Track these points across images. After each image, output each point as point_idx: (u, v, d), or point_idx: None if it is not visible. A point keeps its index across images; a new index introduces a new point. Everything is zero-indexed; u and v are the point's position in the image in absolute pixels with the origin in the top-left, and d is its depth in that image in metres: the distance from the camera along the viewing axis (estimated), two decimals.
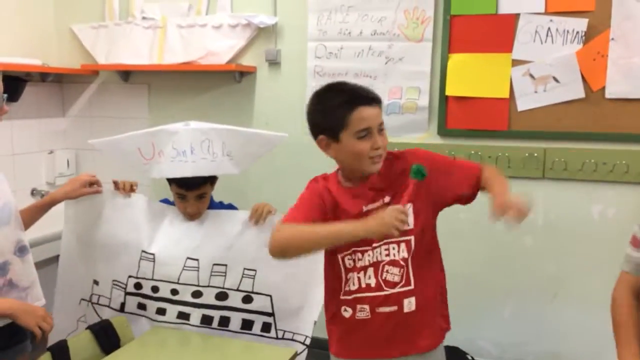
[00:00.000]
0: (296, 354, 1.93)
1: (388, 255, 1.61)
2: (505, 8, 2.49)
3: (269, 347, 2.00)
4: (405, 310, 1.62)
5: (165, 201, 2.23)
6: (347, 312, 1.66)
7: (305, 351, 2.06)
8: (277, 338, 2.09)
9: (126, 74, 3.10)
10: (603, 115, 2.42)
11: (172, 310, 2.08)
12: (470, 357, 2.57)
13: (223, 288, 2.08)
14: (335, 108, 1.56)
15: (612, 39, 2.36)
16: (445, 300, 1.73)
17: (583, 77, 2.43)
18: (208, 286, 2.08)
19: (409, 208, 1.58)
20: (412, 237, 1.62)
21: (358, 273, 1.63)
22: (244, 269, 2.08)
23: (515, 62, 2.50)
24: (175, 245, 2.10)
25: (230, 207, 2.27)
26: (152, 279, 2.09)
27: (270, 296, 2.07)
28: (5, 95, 1.68)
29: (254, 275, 2.08)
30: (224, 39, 2.85)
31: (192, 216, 2.14)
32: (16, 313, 1.67)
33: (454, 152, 2.62)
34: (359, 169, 1.60)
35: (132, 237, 2.11)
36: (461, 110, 2.61)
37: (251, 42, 2.88)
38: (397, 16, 2.64)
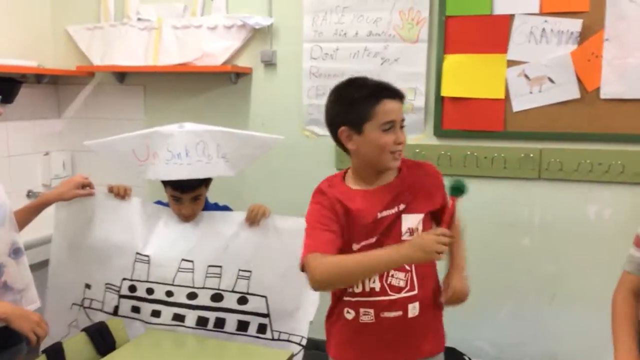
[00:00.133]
0: (292, 356, 1.93)
1: None
2: (500, 9, 2.49)
3: (264, 349, 2.00)
4: (410, 315, 1.62)
5: (159, 203, 2.23)
6: (349, 315, 1.65)
7: (302, 352, 2.06)
8: (272, 339, 2.08)
9: (122, 76, 3.10)
10: (598, 116, 2.43)
11: (167, 312, 2.08)
12: (467, 358, 2.57)
13: (218, 289, 2.08)
14: (361, 99, 1.55)
15: (607, 39, 2.37)
16: (441, 306, 1.72)
17: (578, 78, 2.44)
18: (203, 288, 2.08)
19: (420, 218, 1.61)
20: None
21: None
22: (239, 270, 2.07)
23: (511, 63, 2.51)
24: (170, 246, 2.10)
25: (226, 208, 2.27)
26: (147, 281, 2.08)
27: (266, 297, 2.07)
28: (0, 97, 1.68)
29: (249, 277, 2.07)
30: (219, 40, 2.85)
31: (186, 218, 2.13)
32: (10, 318, 1.66)
33: (450, 152, 2.63)
34: (378, 163, 1.58)
35: (126, 239, 2.10)
36: (457, 111, 2.61)
37: (247, 43, 2.88)
38: (393, 17, 2.64)
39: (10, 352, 1.77)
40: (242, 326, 2.08)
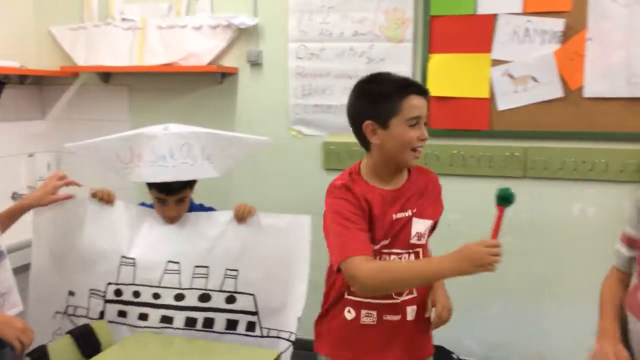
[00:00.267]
0: (279, 356, 1.93)
1: None
2: (483, 8, 2.51)
3: (252, 349, 1.99)
4: (408, 318, 1.63)
5: (143, 205, 2.21)
6: (350, 314, 1.64)
7: (291, 348, 2.06)
8: (262, 336, 2.08)
9: (106, 76, 3.08)
10: (581, 114, 2.45)
11: (155, 315, 2.06)
12: (455, 357, 2.58)
13: (206, 289, 2.07)
14: (389, 94, 1.53)
15: (589, 38, 2.40)
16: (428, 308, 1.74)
17: (561, 77, 2.45)
18: (190, 288, 2.07)
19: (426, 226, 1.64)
20: (420, 250, 1.65)
21: None
22: (226, 269, 2.07)
23: (495, 62, 2.53)
24: (155, 248, 2.08)
25: (211, 210, 2.26)
26: (133, 284, 2.07)
27: (254, 295, 2.07)
28: None
29: (236, 275, 2.07)
30: (204, 40, 2.84)
31: (171, 220, 2.12)
32: None
33: (437, 152, 2.64)
34: (399, 159, 1.57)
35: (110, 242, 2.08)
36: (443, 110, 2.62)
37: (232, 43, 2.87)
38: (378, 17, 2.65)
39: None
40: (231, 325, 2.08)
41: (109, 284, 2.08)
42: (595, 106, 2.43)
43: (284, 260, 2.07)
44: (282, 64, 2.81)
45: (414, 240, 1.61)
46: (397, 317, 1.62)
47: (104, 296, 2.09)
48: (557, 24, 2.43)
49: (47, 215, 2.11)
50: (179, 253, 2.08)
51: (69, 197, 2.08)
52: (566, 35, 2.43)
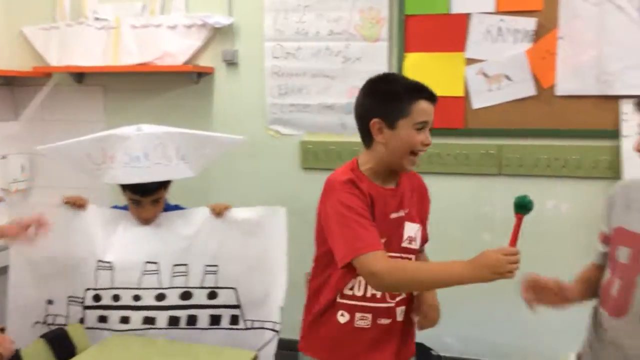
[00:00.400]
0: (256, 357, 1.92)
1: None
2: (457, 8, 2.53)
3: (231, 350, 1.98)
4: (398, 319, 1.64)
5: (115, 207, 2.19)
6: (343, 318, 1.62)
7: (276, 338, 2.06)
8: (246, 329, 2.09)
9: (80, 76, 3.04)
10: (554, 112, 2.49)
11: (137, 317, 2.05)
12: (434, 352, 2.60)
13: (187, 287, 2.07)
14: (400, 94, 1.54)
15: (560, 37, 2.43)
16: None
17: (534, 75, 2.49)
18: (171, 287, 2.07)
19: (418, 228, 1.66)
20: (412, 257, 1.66)
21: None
22: (205, 265, 2.08)
23: (469, 61, 2.55)
24: (132, 250, 2.07)
25: None
26: (112, 288, 2.06)
27: (235, 289, 2.09)
28: None
29: (216, 271, 2.09)
30: (180, 39, 2.82)
31: (146, 221, 2.11)
32: None
33: None
34: (397, 162, 1.58)
35: (85, 248, 2.07)
36: None
37: (208, 43, 2.85)
38: (353, 16, 2.65)
39: None
40: (215, 320, 2.09)
41: (87, 289, 2.07)
42: (567, 104, 2.47)
43: (262, 252, 2.08)
44: (258, 64, 2.80)
45: (405, 244, 1.62)
46: (389, 321, 1.63)
47: (82, 302, 2.07)
48: (529, 23, 2.46)
49: None
50: (156, 253, 2.07)
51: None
52: (538, 34, 2.46)
